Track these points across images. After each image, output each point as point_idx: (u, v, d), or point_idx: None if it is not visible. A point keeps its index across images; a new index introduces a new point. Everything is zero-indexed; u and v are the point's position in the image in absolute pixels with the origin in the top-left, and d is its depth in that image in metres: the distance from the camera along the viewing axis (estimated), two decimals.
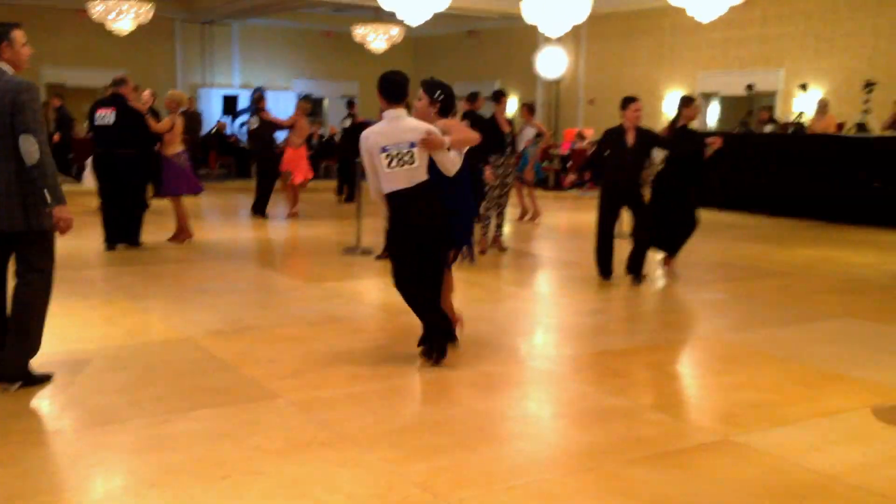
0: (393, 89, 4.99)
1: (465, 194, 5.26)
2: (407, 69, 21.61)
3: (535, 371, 5.18)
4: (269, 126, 12.28)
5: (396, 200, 4.95)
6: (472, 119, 10.40)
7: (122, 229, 9.11)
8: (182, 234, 9.54)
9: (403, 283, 5.05)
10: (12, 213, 4.30)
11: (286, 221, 12.07)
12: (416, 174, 4.90)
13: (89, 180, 10.00)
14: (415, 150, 4.85)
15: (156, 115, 9.52)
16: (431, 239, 4.99)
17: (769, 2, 16.33)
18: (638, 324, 6.60)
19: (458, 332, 5.45)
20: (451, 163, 4.97)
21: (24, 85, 4.30)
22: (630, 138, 7.63)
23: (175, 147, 9.31)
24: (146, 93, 10.71)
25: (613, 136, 7.76)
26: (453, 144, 4.97)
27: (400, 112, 4.97)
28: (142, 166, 9.15)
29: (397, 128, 4.90)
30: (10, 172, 4.28)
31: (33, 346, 4.51)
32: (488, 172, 9.12)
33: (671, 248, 8.32)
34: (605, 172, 7.89)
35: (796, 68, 16.30)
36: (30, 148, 4.22)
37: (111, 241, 9.03)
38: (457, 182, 5.10)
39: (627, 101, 7.75)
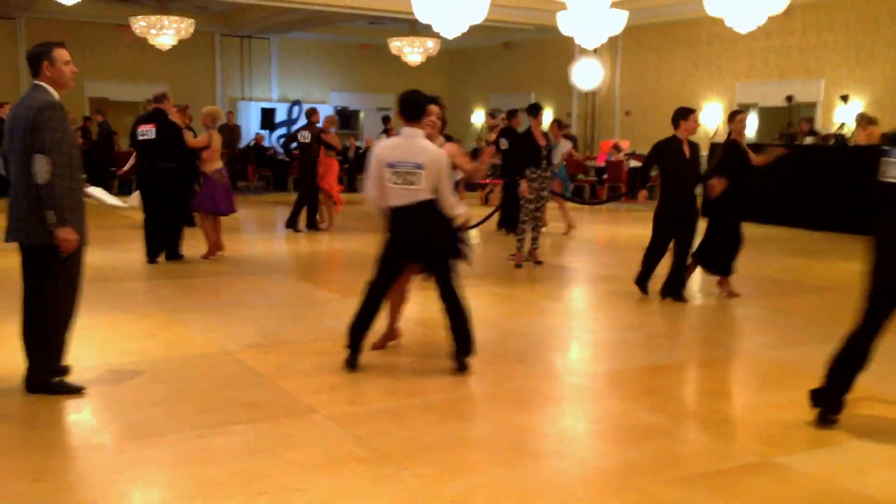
0: (412, 109, 5.12)
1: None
2: (442, 81, 21.81)
3: (571, 387, 5.15)
4: (319, 142, 12.25)
5: (396, 215, 5.08)
6: (509, 136, 10.39)
7: (163, 243, 9.23)
8: (212, 249, 9.54)
9: (373, 288, 5.19)
10: (31, 228, 4.41)
11: (324, 234, 12.14)
12: (418, 193, 5.02)
13: (135, 200, 10.06)
14: (421, 171, 4.97)
15: (192, 131, 9.63)
16: (427, 255, 5.14)
17: (809, 11, 16.13)
18: (676, 340, 6.54)
19: (386, 343, 5.68)
20: (450, 202, 5.10)
21: (45, 104, 4.37)
22: (686, 150, 7.49)
23: (214, 164, 9.35)
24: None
25: (669, 149, 7.53)
26: (468, 173, 5.12)
27: (416, 131, 5.09)
28: (183, 180, 9.27)
29: (411, 146, 5.02)
30: (31, 188, 4.37)
31: (48, 358, 4.57)
32: (524, 186, 9.11)
33: (724, 269, 7.83)
34: (665, 186, 7.65)
35: (837, 78, 16.06)
36: (40, 168, 4.31)
37: (153, 255, 9.16)
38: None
39: (687, 112, 7.55)
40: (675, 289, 7.56)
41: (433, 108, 5.35)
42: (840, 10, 16.05)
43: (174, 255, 9.29)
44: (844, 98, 15.25)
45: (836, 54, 16.19)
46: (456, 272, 5.25)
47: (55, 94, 4.49)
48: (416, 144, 5.04)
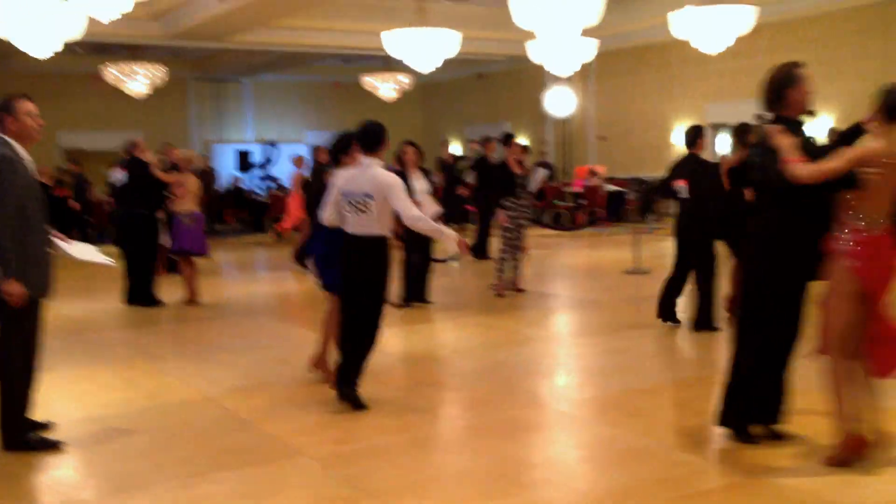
0: (370, 139, 5.22)
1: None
2: (417, 115, 21.94)
3: (557, 414, 5.12)
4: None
5: (349, 242, 5.12)
6: (482, 166, 10.39)
7: (138, 289, 9.20)
8: (191, 294, 9.45)
9: (345, 321, 5.21)
10: None
11: (303, 272, 12.10)
12: (369, 225, 5.05)
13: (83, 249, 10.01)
14: (371, 201, 5.03)
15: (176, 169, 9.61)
16: (362, 288, 5.11)
17: (775, 31, 16.41)
18: (659, 362, 6.53)
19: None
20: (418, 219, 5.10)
21: None
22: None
23: (184, 205, 9.31)
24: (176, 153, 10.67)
25: (697, 167, 7.11)
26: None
27: (373, 161, 5.16)
28: (149, 226, 9.19)
29: (363, 175, 5.10)
30: None
31: (16, 417, 4.48)
32: (501, 216, 9.13)
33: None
34: (697, 207, 7.08)
35: None
36: None
37: (129, 300, 9.15)
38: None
39: (702, 130, 7.32)
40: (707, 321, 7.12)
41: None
42: (805, 28, 16.35)
43: (148, 301, 9.18)
44: (811, 113, 15.46)
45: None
46: (382, 309, 5.20)
47: (15, 147, 4.42)
48: (367, 174, 5.10)
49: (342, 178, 5.22)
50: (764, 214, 4.16)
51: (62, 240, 4.77)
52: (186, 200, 9.34)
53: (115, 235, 9.55)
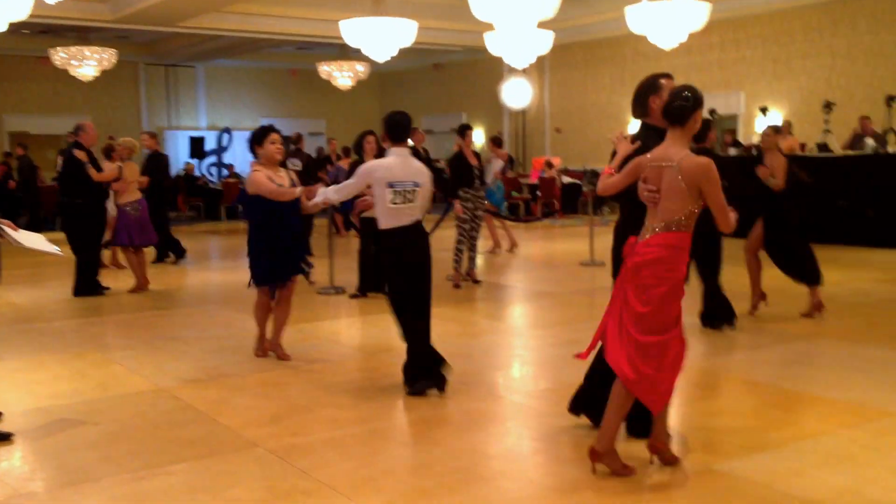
0: (398, 129, 5.23)
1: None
2: (374, 104, 21.92)
3: (514, 406, 5.15)
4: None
5: (394, 236, 5.14)
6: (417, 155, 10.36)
7: (91, 276, 9.04)
8: (139, 283, 9.34)
9: (407, 315, 5.23)
10: None
11: None
12: (415, 212, 5.17)
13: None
14: (419, 189, 5.14)
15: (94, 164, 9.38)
16: (426, 272, 5.26)
17: (727, 27, 16.67)
18: None
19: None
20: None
21: None
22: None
23: (126, 196, 9.15)
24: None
25: (743, 165, 7.11)
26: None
27: (404, 150, 5.24)
28: (89, 215, 8.97)
29: (407, 165, 5.17)
30: None
31: None
32: (458, 206, 9.15)
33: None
34: (754, 205, 7.16)
35: (756, 91, 16.62)
36: None
37: (76, 293, 9.00)
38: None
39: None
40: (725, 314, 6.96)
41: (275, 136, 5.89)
42: (756, 25, 16.63)
43: (90, 290, 9.01)
44: (763, 110, 15.76)
45: (754, 68, 16.76)
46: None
47: None
48: (413, 164, 5.21)
49: (382, 170, 5.13)
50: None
51: (10, 227, 4.64)
52: (129, 191, 9.14)
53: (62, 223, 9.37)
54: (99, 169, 9.05)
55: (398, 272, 5.19)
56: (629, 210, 4.19)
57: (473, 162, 9.33)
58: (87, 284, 9.04)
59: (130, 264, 9.35)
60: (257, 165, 5.88)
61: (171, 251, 11.72)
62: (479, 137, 22.22)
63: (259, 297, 6.08)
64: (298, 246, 5.94)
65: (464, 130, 9.47)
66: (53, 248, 4.98)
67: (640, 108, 4.31)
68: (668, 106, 3.85)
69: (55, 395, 5.34)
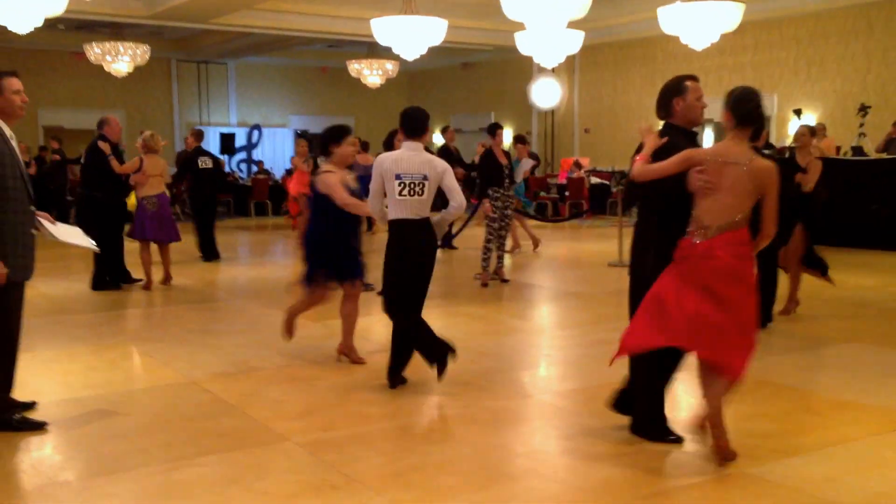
0: (412, 124, 5.25)
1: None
2: (402, 103, 21.90)
3: (541, 405, 5.14)
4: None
5: (401, 228, 5.15)
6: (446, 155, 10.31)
7: (108, 271, 9.14)
8: (156, 278, 9.28)
9: (397, 309, 5.27)
10: None
11: (288, 259, 12.06)
12: (423, 207, 5.13)
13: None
14: (427, 182, 5.11)
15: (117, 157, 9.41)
16: (425, 268, 5.25)
17: (761, 28, 16.49)
18: None
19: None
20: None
21: None
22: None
23: (146, 189, 9.08)
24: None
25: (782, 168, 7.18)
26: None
27: (418, 145, 5.22)
28: (107, 208, 9.00)
29: (416, 158, 5.15)
30: None
31: None
32: (488, 205, 9.15)
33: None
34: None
35: (789, 93, 16.43)
36: None
37: (94, 286, 9.06)
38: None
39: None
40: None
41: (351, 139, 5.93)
42: (790, 26, 16.44)
43: (112, 283, 9.10)
44: (797, 112, 15.58)
45: (787, 70, 16.56)
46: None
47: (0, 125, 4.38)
48: (421, 157, 5.18)
49: (389, 162, 5.16)
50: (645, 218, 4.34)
51: (48, 221, 4.71)
52: (149, 185, 9.07)
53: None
54: (122, 162, 9.15)
55: (395, 266, 5.19)
56: (657, 206, 4.17)
57: (503, 161, 9.32)
58: (109, 276, 9.09)
59: (142, 259, 9.16)
60: (330, 166, 5.77)
61: (205, 251, 11.73)
62: (507, 137, 22.20)
63: (306, 295, 6.00)
64: (351, 252, 5.85)
65: (494, 129, 9.46)
66: (90, 243, 5.05)
67: (663, 109, 4.32)
68: (744, 107, 3.92)
69: (88, 386, 5.42)
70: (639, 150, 4.22)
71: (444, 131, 14.37)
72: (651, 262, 4.19)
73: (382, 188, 5.19)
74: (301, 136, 13.52)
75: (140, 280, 9.26)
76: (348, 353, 5.96)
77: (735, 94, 3.99)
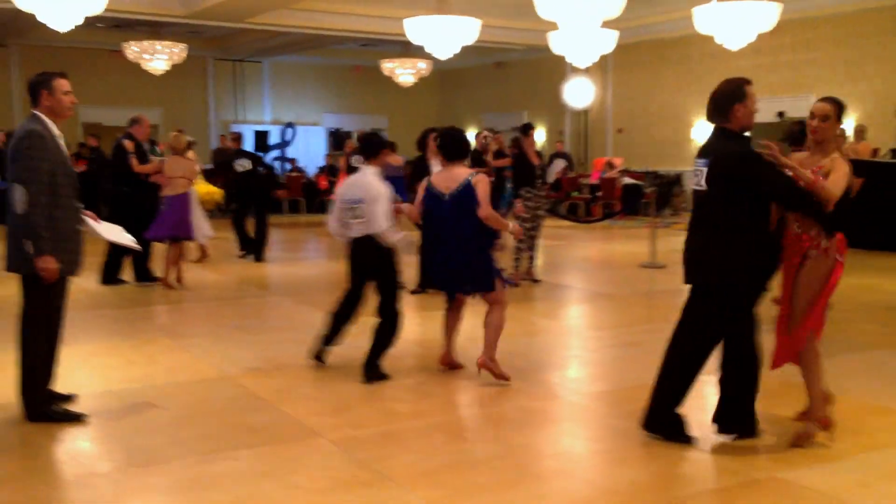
0: (366, 147, 5.71)
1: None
2: (434, 102, 21.88)
3: (572, 406, 5.15)
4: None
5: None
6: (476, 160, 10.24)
7: (136, 267, 9.30)
8: (164, 279, 9.21)
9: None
10: (10, 255, 4.45)
11: (321, 256, 12.17)
12: (363, 227, 5.54)
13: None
14: (362, 206, 5.49)
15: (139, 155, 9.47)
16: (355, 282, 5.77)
17: (798, 28, 16.29)
18: None
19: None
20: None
21: (25, 133, 4.40)
22: None
23: (168, 190, 9.07)
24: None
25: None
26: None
27: (368, 169, 5.61)
28: (131, 205, 9.05)
29: (356, 182, 5.60)
30: (15, 217, 4.40)
31: (34, 386, 4.56)
32: (519, 205, 9.16)
33: None
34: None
35: (826, 94, 16.14)
36: (18, 198, 4.33)
37: (104, 280, 9.17)
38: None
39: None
40: None
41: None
42: (828, 26, 16.23)
43: (143, 278, 9.26)
44: (780, 115, 15.38)
45: (825, 70, 16.35)
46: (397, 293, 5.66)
47: (47, 123, 4.50)
48: (359, 181, 5.54)
49: (342, 187, 5.73)
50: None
51: (92, 218, 4.83)
52: (170, 185, 9.04)
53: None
54: (146, 161, 9.23)
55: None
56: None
57: (535, 161, 9.32)
58: (137, 272, 9.25)
59: (166, 257, 9.21)
60: (482, 174, 5.56)
61: (247, 246, 11.78)
62: (540, 137, 22.15)
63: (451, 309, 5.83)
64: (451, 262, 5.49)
65: (527, 129, 9.46)
66: (131, 240, 5.17)
67: (721, 114, 4.21)
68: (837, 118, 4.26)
69: (127, 380, 5.53)
70: (771, 165, 4.12)
71: (477, 137, 14.45)
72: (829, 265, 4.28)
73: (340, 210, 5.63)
74: (347, 135, 13.63)
75: (158, 279, 9.22)
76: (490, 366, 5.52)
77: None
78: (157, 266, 9.35)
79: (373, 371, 5.46)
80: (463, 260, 5.37)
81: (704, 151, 4.29)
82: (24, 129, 4.42)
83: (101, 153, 17.89)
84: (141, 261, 9.32)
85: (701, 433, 4.68)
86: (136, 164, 9.12)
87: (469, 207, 5.29)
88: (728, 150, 4.17)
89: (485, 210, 5.30)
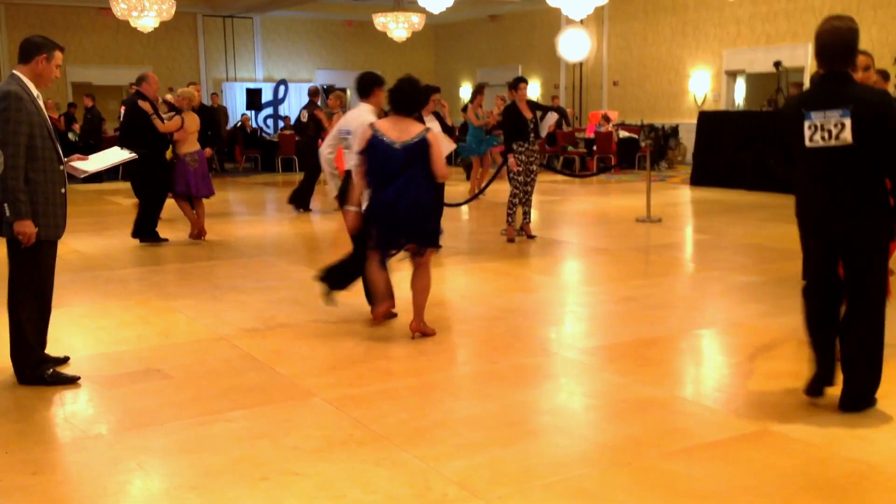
0: (360, 86, 5.94)
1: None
2: (429, 56, 21.65)
3: (567, 362, 5.15)
4: (316, 121, 12.40)
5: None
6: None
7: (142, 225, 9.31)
8: (198, 230, 9.53)
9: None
10: None
11: (318, 215, 12.11)
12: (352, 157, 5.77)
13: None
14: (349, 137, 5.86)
15: (178, 112, 9.51)
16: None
17: None
18: (670, 311, 6.54)
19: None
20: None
21: (1, 94, 4.30)
22: None
23: (186, 146, 9.18)
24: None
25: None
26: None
27: (364, 106, 5.92)
28: (151, 165, 9.02)
29: (353, 117, 5.92)
30: None
31: (28, 353, 4.55)
32: (512, 160, 9.09)
33: None
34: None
35: None
36: None
37: (134, 234, 9.30)
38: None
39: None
40: None
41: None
42: None
43: (149, 238, 9.26)
44: (777, 65, 15.21)
45: (821, 18, 16.13)
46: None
47: (27, 84, 4.41)
48: (352, 114, 5.92)
49: (344, 119, 5.98)
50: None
51: (79, 159, 4.77)
52: (188, 141, 9.21)
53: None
54: (161, 120, 9.19)
55: None
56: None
57: (527, 115, 9.22)
58: (145, 232, 9.27)
59: (186, 213, 9.50)
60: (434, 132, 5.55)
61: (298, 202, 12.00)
62: (535, 91, 21.95)
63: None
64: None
65: (517, 83, 9.34)
66: (128, 154, 5.11)
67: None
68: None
69: (120, 341, 5.51)
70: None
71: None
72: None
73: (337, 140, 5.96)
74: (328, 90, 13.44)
75: (166, 240, 9.33)
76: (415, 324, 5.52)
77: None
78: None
79: (327, 277, 5.90)
80: (409, 213, 5.19)
81: (831, 100, 3.89)
82: (2, 91, 4.32)
83: (98, 113, 17.73)
84: (152, 222, 9.27)
85: (695, 387, 4.70)
86: (160, 124, 9.08)
87: (420, 161, 5.21)
88: (878, 96, 3.89)
89: (442, 169, 5.29)
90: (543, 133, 10.71)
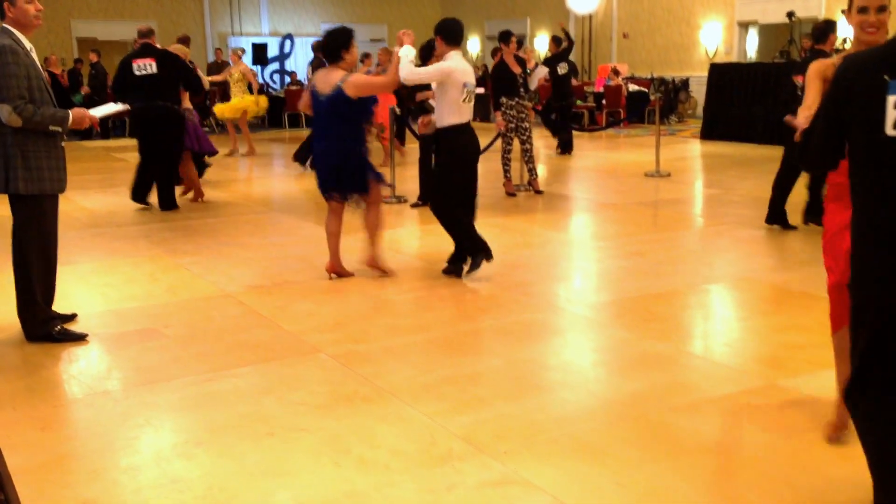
0: (455, 34, 5.73)
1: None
2: (436, 9, 21.47)
3: (574, 317, 5.14)
4: None
5: (461, 132, 5.67)
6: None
7: (156, 188, 8.88)
8: (192, 190, 9.32)
9: (450, 208, 5.70)
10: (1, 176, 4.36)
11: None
12: (471, 112, 5.84)
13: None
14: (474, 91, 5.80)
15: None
16: (475, 168, 5.89)
17: None
18: (678, 266, 6.50)
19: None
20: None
21: None
22: None
23: (186, 103, 8.98)
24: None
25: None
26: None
27: (460, 53, 5.80)
28: (181, 121, 8.74)
29: (469, 68, 5.77)
30: None
31: (36, 310, 4.55)
32: (499, 118, 9.02)
33: None
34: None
35: None
36: (5, 116, 4.24)
37: (138, 198, 8.79)
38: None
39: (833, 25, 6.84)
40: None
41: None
42: None
43: (170, 205, 8.82)
44: (790, 15, 14.92)
45: None
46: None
47: (18, 37, 4.33)
48: (469, 66, 5.90)
49: (459, 72, 5.59)
50: None
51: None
52: (185, 99, 8.98)
53: (139, 131, 9.00)
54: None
55: (457, 167, 5.68)
56: None
57: (517, 70, 9.10)
58: (166, 198, 8.84)
59: (190, 173, 9.20)
60: (357, 75, 5.88)
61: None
62: (543, 45, 21.65)
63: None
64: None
65: (507, 37, 9.19)
66: (120, 107, 5.11)
67: None
68: None
69: (127, 298, 5.52)
70: None
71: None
72: None
73: (431, 82, 5.89)
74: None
75: (150, 205, 8.97)
76: (372, 263, 5.91)
77: None
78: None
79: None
80: (336, 162, 5.57)
81: None
82: None
83: (102, 69, 17.58)
84: (171, 187, 8.91)
85: (703, 342, 4.68)
86: (204, 76, 8.99)
87: (341, 111, 5.47)
88: None
89: (380, 88, 5.81)
90: (533, 87, 10.50)
